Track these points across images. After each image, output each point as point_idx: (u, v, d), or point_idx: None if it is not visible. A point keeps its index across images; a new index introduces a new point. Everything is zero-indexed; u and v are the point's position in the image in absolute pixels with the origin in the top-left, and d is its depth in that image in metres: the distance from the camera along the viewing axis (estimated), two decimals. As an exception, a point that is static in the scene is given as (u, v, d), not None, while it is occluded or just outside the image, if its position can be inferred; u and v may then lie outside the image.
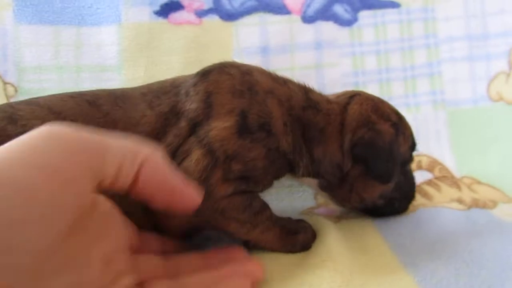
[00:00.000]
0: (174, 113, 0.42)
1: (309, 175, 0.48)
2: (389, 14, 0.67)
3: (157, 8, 0.64)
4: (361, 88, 0.67)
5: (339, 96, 0.52)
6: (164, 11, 0.64)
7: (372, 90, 0.67)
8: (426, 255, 0.44)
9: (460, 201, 0.58)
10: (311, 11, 0.66)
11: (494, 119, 0.67)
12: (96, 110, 0.41)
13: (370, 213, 0.54)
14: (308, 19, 0.66)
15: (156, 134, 0.41)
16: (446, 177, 0.63)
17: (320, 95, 0.50)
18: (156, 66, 0.63)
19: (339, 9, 0.67)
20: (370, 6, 0.67)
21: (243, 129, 0.41)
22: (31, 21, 0.63)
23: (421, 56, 0.68)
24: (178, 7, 0.64)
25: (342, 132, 0.48)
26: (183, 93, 0.43)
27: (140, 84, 0.47)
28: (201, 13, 0.65)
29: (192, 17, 0.65)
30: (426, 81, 0.68)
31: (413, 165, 0.65)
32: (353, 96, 0.51)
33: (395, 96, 0.67)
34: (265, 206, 0.45)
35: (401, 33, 0.68)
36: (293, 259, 0.44)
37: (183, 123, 0.41)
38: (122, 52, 0.63)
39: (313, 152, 0.47)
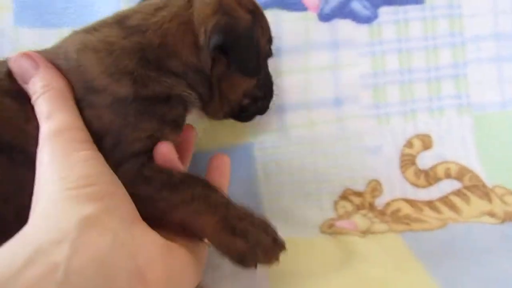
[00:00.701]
0: None
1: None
2: (412, 10, 0.63)
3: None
4: (380, 91, 0.63)
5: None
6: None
7: (393, 92, 0.63)
8: (460, 274, 0.42)
9: (491, 214, 0.54)
10: (328, 8, 0.62)
11: (525, 123, 0.62)
12: None
13: (238, 117, 0.53)
14: (324, 17, 0.62)
15: None
16: (476, 187, 0.59)
17: (141, 14, 0.44)
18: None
19: (357, 5, 0.62)
20: (391, 2, 0.63)
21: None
22: (34, 24, 0.59)
23: (446, 56, 0.63)
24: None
25: (193, 31, 0.43)
26: None
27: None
28: (210, 11, 0.61)
29: (201, 15, 0.60)
30: (451, 83, 0.63)
31: (441, 173, 0.61)
32: None
33: (418, 99, 0.63)
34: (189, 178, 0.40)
35: (425, 31, 0.63)
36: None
37: None
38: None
39: (174, 70, 0.43)
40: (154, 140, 0.40)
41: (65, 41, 0.44)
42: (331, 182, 0.63)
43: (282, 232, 0.55)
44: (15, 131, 0.39)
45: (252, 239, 0.37)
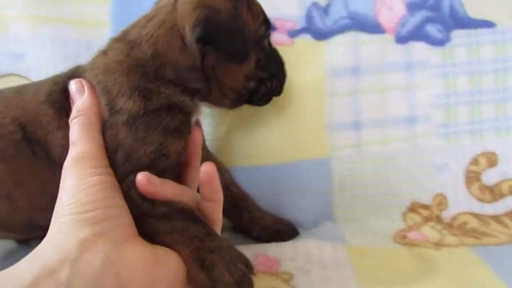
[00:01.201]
0: None
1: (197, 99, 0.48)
2: (483, 34, 0.66)
3: (250, 28, 0.62)
4: (451, 111, 0.66)
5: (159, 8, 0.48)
6: (257, 32, 0.62)
7: (463, 112, 0.66)
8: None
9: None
10: (404, 31, 0.65)
11: None
12: None
13: (251, 102, 0.54)
14: (400, 39, 0.65)
15: None
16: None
17: (136, 28, 0.47)
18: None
19: (431, 29, 0.65)
20: (463, 26, 0.65)
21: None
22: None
23: (515, 78, 0.66)
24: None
25: (179, 32, 0.45)
26: None
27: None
28: (293, 33, 0.64)
29: (285, 38, 0.64)
30: (519, 104, 0.66)
31: (506, 190, 0.65)
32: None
33: (486, 119, 0.66)
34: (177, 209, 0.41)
35: (495, 54, 0.66)
36: None
37: None
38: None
39: (168, 78, 0.45)
40: (159, 154, 0.42)
41: (93, 62, 0.47)
42: (400, 195, 0.66)
43: (358, 241, 0.61)
44: (46, 133, 0.46)
45: (216, 275, 0.38)
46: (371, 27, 0.64)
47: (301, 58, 0.64)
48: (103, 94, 0.44)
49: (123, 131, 0.42)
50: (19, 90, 0.50)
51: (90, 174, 0.39)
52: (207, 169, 0.41)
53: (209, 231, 0.41)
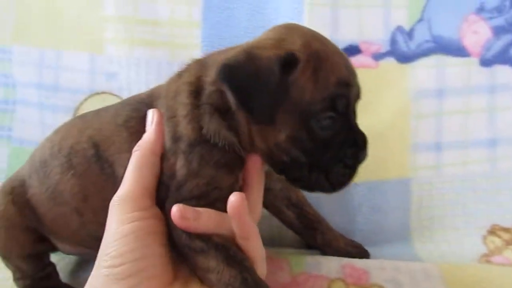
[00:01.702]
0: None
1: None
2: None
3: (336, 51, 0.64)
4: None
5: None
6: (343, 55, 0.64)
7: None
8: None
9: None
10: (489, 55, 0.65)
11: None
12: None
13: (288, 179, 0.46)
14: (485, 62, 0.65)
15: None
16: None
17: (221, 53, 0.46)
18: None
19: (517, 52, 0.65)
20: (549, 49, 0.65)
21: None
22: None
23: None
24: (357, 51, 0.65)
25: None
26: None
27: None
28: (378, 56, 0.65)
29: (369, 60, 0.65)
30: None
31: None
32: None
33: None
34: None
35: None
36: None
37: None
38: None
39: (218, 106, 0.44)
40: (211, 188, 0.43)
41: (168, 85, 0.48)
42: (479, 217, 0.67)
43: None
44: (115, 152, 0.48)
45: None
46: (455, 50, 0.65)
47: (385, 80, 0.65)
48: (169, 121, 0.45)
49: (180, 160, 0.43)
50: (99, 112, 0.52)
51: (127, 219, 0.41)
52: (232, 201, 0.39)
53: (246, 278, 0.39)
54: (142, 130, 0.46)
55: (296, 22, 0.63)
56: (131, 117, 0.48)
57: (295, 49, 0.41)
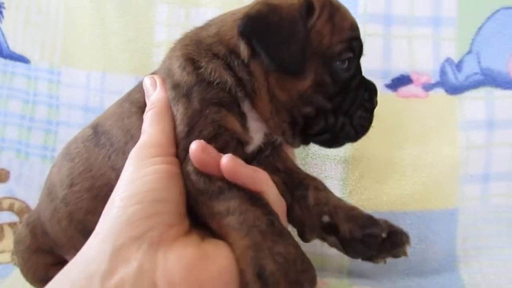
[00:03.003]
0: None
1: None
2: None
3: (388, 81, 0.65)
4: None
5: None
6: (394, 85, 0.65)
7: None
8: None
9: None
10: (538, 88, 0.66)
11: None
12: None
13: (307, 135, 0.45)
14: (534, 95, 0.66)
15: None
16: None
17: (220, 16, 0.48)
18: (389, 136, 0.65)
19: None
20: None
21: None
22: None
23: None
24: (407, 81, 0.66)
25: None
26: None
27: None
28: (428, 87, 0.66)
29: (419, 91, 0.66)
30: None
31: None
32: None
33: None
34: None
35: None
36: None
37: None
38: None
39: (216, 53, 0.44)
40: (217, 125, 0.41)
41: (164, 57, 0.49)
42: (525, 248, 0.67)
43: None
44: (118, 126, 0.46)
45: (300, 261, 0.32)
46: (504, 83, 0.66)
47: (435, 111, 0.66)
48: (167, 75, 0.45)
49: (182, 104, 0.42)
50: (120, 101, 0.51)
51: (150, 163, 0.38)
52: (222, 163, 0.37)
53: (272, 221, 0.35)
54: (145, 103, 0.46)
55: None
56: (134, 91, 0.49)
57: (320, 1, 0.43)
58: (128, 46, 0.71)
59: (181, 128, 0.41)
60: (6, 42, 0.73)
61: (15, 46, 0.73)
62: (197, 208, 0.38)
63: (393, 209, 0.66)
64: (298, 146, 0.47)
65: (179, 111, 0.42)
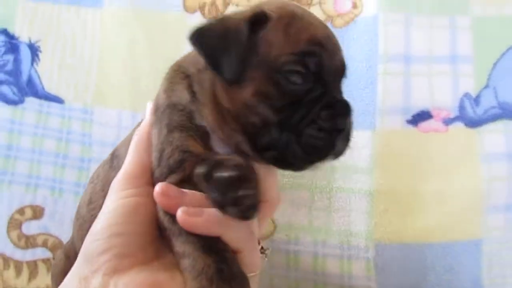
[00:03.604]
0: None
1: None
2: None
3: (409, 117, 0.68)
4: None
5: None
6: (415, 120, 0.68)
7: None
8: None
9: None
10: (555, 121, 0.69)
11: None
12: None
13: (256, 150, 0.43)
14: (551, 128, 0.69)
15: None
16: None
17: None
18: (412, 170, 0.67)
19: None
20: None
21: None
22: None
23: None
24: (428, 116, 0.68)
25: None
26: None
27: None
28: (447, 121, 0.69)
29: (440, 125, 0.69)
30: None
31: None
32: None
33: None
34: None
35: None
36: None
37: None
38: (375, 156, 0.67)
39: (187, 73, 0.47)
40: (181, 152, 0.42)
41: None
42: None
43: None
44: (126, 150, 0.48)
45: None
46: (521, 115, 0.68)
47: (456, 144, 0.68)
48: (155, 99, 0.48)
49: (156, 129, 0.45)
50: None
51: (119, 196, 0.42)
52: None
53: (222, 269, 0.37)
54: None
55: (370, 90, 0.68)
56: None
57: (268, 9, 0.43)
58: (157, 86, 0.74)
59: (154, 155, 0.44)
60: (41, 83, 0.76)
61: (50, 87, 0.76)
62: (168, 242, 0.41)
63: (418, 241, 0.68)
64: (262, 163, 0.44)
65: (154, 137, 0.45)
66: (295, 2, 0.50)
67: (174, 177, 0.42)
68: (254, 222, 0.43)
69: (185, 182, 0.42)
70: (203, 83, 0.45)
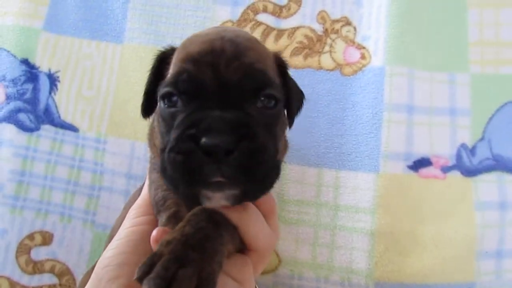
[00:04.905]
0: None
1: None
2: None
3: (410, 163, 0.72)
4: None
5: None
6: (416, 166, 0.72)
7: None
8: None
9: None
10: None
11: None
12: None
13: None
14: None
15: None
16: None
17: None
18: (412, 213, 0.71)
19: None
20: None
21: None
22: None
23: None
24: (428, 163, 0.73)
25: None
26: None
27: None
28: (445, 169, 0.73)
29: (438, 172, 0.73)
30: None
31: None
32: None
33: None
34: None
35: None
36: None
37: None
38: (377, 198, 0.71)
39: None
40: (162, 191, 0.46)
41: None
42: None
43: None
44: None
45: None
46: (514, 169, 0.73)
47: (452, 191, 0.72)
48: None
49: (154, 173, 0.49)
50: None
51: (131, 224, 0.44)
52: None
53: None
54: None
55: (375, 136, 0.72)
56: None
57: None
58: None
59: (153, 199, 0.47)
60: (58, 111, 0.79)
61: (66, 115, 0.79)
62: None
63: (416, 281, 0.71)
64: None
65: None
66: (233, 27, 0.59)
67: (163, 216, 0.44)
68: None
69: (173, 218, 0.43)
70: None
